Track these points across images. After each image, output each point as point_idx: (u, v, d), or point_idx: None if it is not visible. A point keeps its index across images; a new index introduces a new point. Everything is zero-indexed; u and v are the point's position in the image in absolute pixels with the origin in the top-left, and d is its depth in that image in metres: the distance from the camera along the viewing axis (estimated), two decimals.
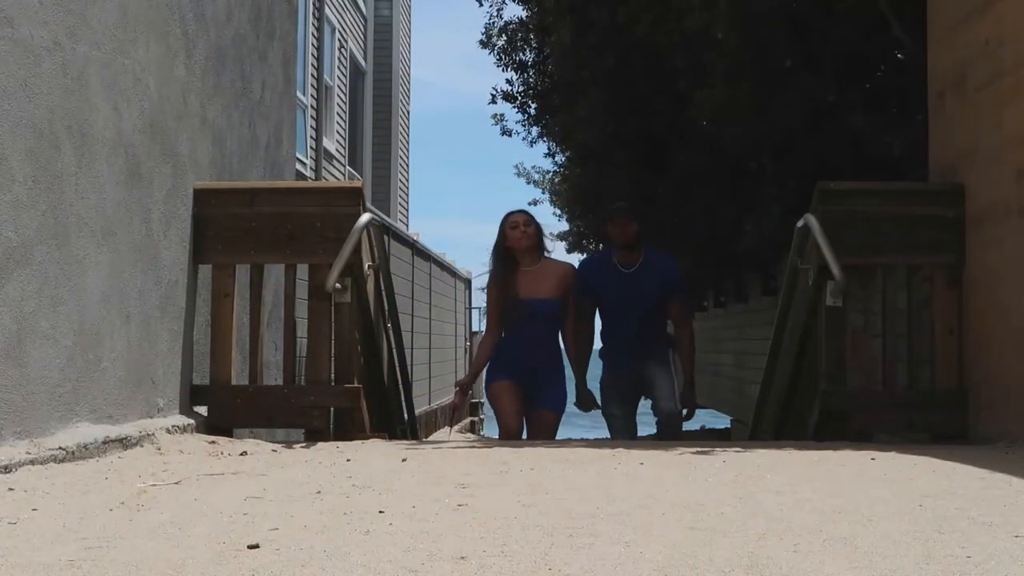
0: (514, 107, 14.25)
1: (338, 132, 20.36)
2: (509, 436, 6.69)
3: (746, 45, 8.62)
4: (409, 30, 27.32)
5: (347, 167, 20.96)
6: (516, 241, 6.85)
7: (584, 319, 7.03)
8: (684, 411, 6.99)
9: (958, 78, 6.07)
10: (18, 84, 4.25)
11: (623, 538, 2.68)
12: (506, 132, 16.01)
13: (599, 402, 7.16)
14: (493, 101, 14.25)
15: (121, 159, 5.06)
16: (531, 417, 6.86)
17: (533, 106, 14.20)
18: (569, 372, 7.04)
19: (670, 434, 6.89)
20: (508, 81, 14.14)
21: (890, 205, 6.06)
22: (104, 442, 4.65)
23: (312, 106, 17.55)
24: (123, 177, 5.08)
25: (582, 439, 7.45)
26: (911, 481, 3.96)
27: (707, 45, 9.29)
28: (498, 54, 13.95)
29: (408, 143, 26.38)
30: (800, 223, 6.24)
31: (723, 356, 16.67)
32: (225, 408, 5.85)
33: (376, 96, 24.11)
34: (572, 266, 7.09)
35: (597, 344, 7.28)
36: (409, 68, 26.91)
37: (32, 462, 4.09)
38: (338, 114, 20.39)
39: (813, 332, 6.37)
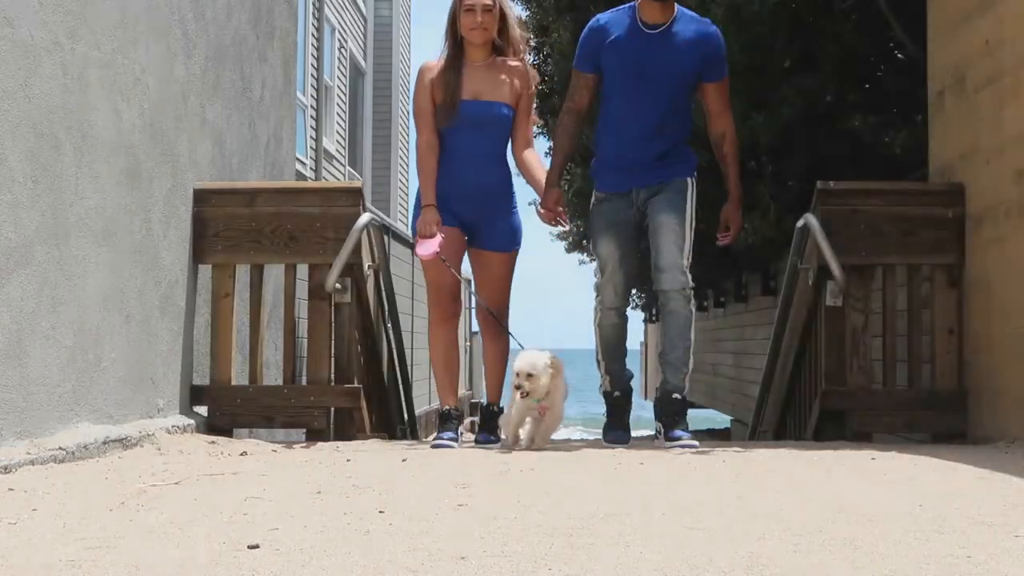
0: None
1: (338, 132, 20.36)
2: (440, 298, 5.54)
3: (745, 44, 8.61)
4: (409, 30, 27.32)
5: (347, 167, 20.96)
6: (468, 31, 5.50)
7: (578, 100, 5.48)
8: (727, 235, 5.50)
9: (958, 78, 6.07)
10: (18, 84, 4.25)
11: (623, 538, 2.68)
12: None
13: (586, 228, 5.69)
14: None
15: (121, 159, 5.06)
16: (476, 261, 5.63)
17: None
18: (525, 198, 6.14)
19: (672, 320, 5.35)
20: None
21: (890, 205, 6.06)
22: (104, 442, 4.65)
23: (312, 106, 17.55)
24: (123, 177, 5.08)
25: (581, 439, 7.44)
26: (911, 481, 3.96)
27: None
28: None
29: (408, 143, 26.38)
30: (800, 223, 6.24)
31: (723, 356, 16.66)
32: (225, 408, 5.85)
33: (376, 96, 24.12)
34: (533, 69, 5.72)
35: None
36: (409, 68, 26.92)
37: (32, 462, 4.09)
38: (338, 114, 20.39)
39: (813, 332, 6.37)
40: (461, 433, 5.54)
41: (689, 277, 5.31)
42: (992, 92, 5.66)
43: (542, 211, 5.53)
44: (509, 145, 5.67)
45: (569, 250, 21.27)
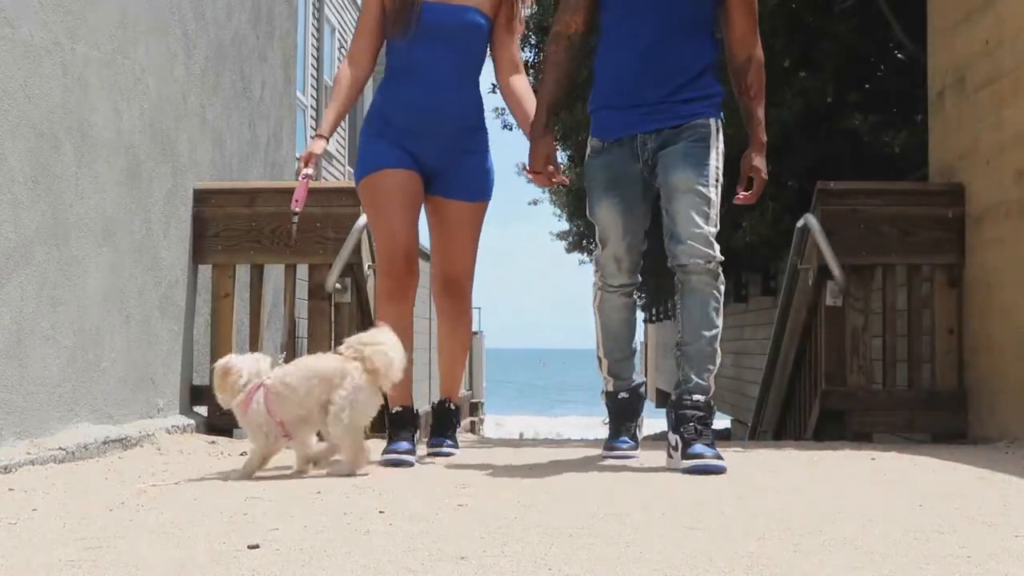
0: None
1: (338, 132, 20.37)
2: (392, 267, 4.39)
3: None
4: None
5: (347, 167, 20.97)
6: None
7: (567, 22, 4.39)
8: (749, 192, 4.31)
9: (958, 78, 6.07)
10: (18, 84, 4.25)
11: (623, 538, 2.68)
12: (507, 127, 16.02)
13: (582, 184, 4.52)
14: (493, 91, 14.24)
15: (121, 159, 5.06)
16: (435, 214, 4.52)
17: None
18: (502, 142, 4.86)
19: (693, 302, 4.22)
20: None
21: (890, 205, 6.06)
22: (104, 442, 4.65)
23: (312, 106, 17.56)
24: (123, 177, 5.08)
25: (581, 439, 7.43)
26: (911, 481, 3.96)
27: None
28: None
29: None
30: (800, 223, 6.24)
31: (723, 356, 16.67)
32: (225, 408, 5.85)
33: None
34: None
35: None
36: None
37: (32, 462, 4.09)
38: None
39: (813, 332, 6.37)
40: (417, 441, 4.56)
41: (716, 249, 4.19)
42: (992, 92, 5.66)
43: (530, 174, 4.43)
44: (483, 68, 4.58)
45: (569, 250, 21.30)
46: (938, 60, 6.38)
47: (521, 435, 16.95)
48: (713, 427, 4.25)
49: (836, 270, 5.87)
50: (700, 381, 4.22)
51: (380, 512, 3.09)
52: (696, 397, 4.19)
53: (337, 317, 6.02)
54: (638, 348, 4.66)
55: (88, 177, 4.75)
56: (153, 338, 5.39)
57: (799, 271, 6.40)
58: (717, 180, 4.24)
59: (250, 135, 6.85)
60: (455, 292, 4.61)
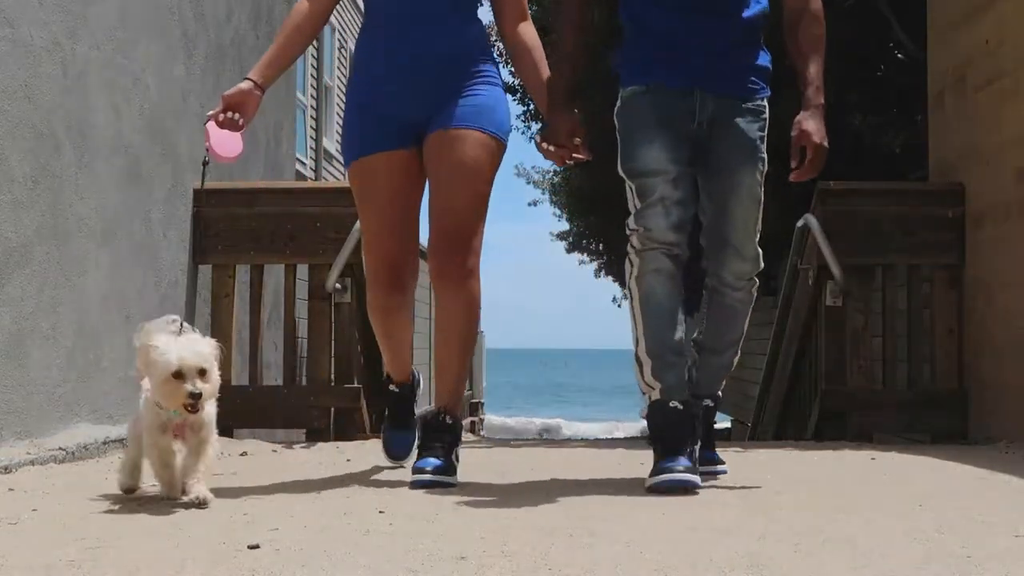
0: (515, 99, 14.23)
1: (338, 132, 20.36)
2: (376, 274, 3.87)
3: None
4: None
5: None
6: None
7: None
8: (803, 169, 3.59)
9: (958, 78, 6.07)
10: (18, 84, 4.25)
11: (623, 538, 2.68)
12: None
13: (622, 149, 3.66)
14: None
15: (121, 159, 5.06)
16: (432, 153, 3.71)
17: (532, 104, 14.21)
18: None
19: (727, 310, 3.81)
20: (512, 73, 14.13)
21: (890, 205, 6.07)
22: (104, 442, 4.65)
23: (312, 106, 17.55)
24: (123, 177, 5.08)
25: (582, 439, 7.43)
26: (911, 481, 3.96)
27: None
28: (498, 54, 13.95)
29: None
30: (800, 223, 6.24)
31: None
32: (225, 408, 5.84)
33: None
34: None
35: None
36: None
37: (32, 462, 4.09)
38: (338, 114, 20.40)
39: (813, 332, 6.37)
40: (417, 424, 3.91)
41: (761, 260, 3.78)
42: (992, 92, 5.66)
43: (546, 147, 3.66)
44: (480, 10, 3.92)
45: (569, 250, 21.29)
46: (938, 60, 6.38)
47: (541, 435, 16.86)
48: (715, 429, 4.18)
49: (836, 270, 5.87)
50: (711, 386, 3.89)
51: (380, 512, 3.09)
52: (706, 402, 3.85)
53: (337, 317, 6.02)
54: (686, 349, 3.74)
55: (88, 177, 4.75)
56: None
57: (799, 271, 6.40)
58: (763, 172, 3.75)
59: (250, 135, 6.84)
60: (452, 252, 3.67)
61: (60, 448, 4.32)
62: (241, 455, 4.90)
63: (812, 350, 6.39)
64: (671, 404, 3.57)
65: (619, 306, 20.56)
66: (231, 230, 5.92)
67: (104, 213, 4.90)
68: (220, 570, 2.34)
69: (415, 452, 3.87)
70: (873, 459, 4.62)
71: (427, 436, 3.78)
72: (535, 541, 2.64)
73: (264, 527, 2.83)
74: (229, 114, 3.63)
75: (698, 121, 3.64)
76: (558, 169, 19.17)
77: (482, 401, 23.77)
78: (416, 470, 3.68)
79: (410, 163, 3.77)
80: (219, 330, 5.92)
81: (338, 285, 5.89)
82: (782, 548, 2.57)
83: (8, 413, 4.19)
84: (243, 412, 5.82)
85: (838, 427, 5.95)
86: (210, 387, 3.23)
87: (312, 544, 2.61)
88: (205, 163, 3.70)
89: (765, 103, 3.74)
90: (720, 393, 3.96)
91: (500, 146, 3.74)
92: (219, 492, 3.52)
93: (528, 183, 24.31)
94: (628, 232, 3.63)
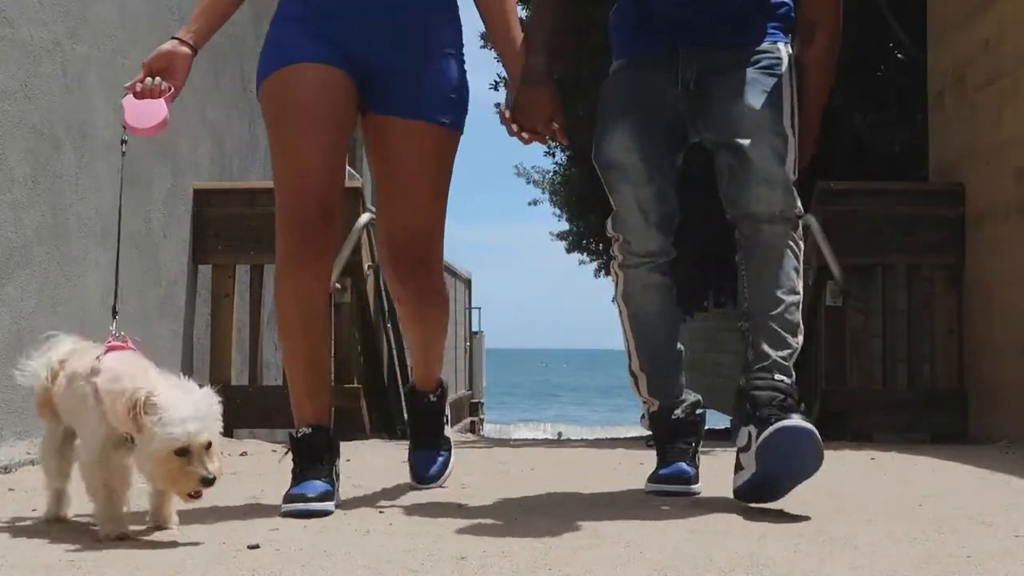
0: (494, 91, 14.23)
1: None
2: (298, 210, 3.16)
3: None
4: None
5: (347, 167, 20.98)
6: None
7: None
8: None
9: (958, 78, 6.07)
10: (18, 84, 4.25)
11: (623, 538, 2.68)
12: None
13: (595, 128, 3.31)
14: (495, 88, 14.22)
15: (120, 159, 5.05)
16: (378, 141, 3.22)
17: None
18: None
19: (765, 257, 3.22)
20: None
21: (890, 205, 6.07)
22: None
23: None
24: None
25: (582, 439, 7.44)
26: (911, 481, 3.96)
27: None
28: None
29: None
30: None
31: (723, 356, 16.68)
32: (225, 408, 5.84)
33: None
34: None
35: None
36: None
37: (32, 462, 4.08)
38: None
39: (813, 332, 6.37)
40: (337, 476, 3.21)
41: (797, 199, 3.25)
42: (992, 92, 5.66)
43: (516, 129, 3.17)
44: None
45: (569, 250, 21.28)
46: (938, 60, 6.38)
47: (560, 435, 16.84)
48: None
49: (836, 270, 5.87)
50: (780, 358, 3.16)
51: (380, 512, 3.09)
52: (778, 377, 3.12)
53: (337, 317, 6.01)
54: (686, 355, 3.49)
55: (88, 177, 4.76)
56: (153, 338, 5.39)
57: None
58: (794, 126, 3.22)
59: (250, 135, 6.85)
60: (411, 264, 3.26)
61: None
62: (241, 455, 4.90)
63: (812, 350, 6.40)
64: (673, 416, 3.46)
65: None
66: (231, 230, 5.92)
67: (104, 213, 4.90)
68: (220, 570, 2.34)
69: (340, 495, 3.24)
70: (873, 459, 4.62)
71: (419, 427, 3.56)
72: (535, 541, 2.64)
73: (264, 527, 2.83)
74: (150, 80, 3.10)
75: (682, 83, 3.22)
76: (558, 169, 19.18)
77: (482, 401, 23.78)
78: (420, 468, 3.53)
79: (345, 85, 3.12)
80: (219, 330, 5.92)
81: (338, 285, 5.89)
82: (782, 548, 2.57)
83: (8, 413, 4.19)
84: (243, 412, 5.82)
85: (838, 427, 5.95)
86: (219, 465, 2.58)
87: (312, 544, 2.60)
88: (123, 141, 3.21)
89: (780, 47, 3.25)
90: (793, 374, 3.17)
91: (458, 137, 3.27)
92: (219, 492, 3.52)
93: (528, 183, 24.35)
94: (608, 235, 3.35)
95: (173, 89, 3.12)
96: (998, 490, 3.71)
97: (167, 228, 5.56)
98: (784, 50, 3.26)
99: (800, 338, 3.23)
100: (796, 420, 2.98)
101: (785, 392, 3.09)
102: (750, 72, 3.19)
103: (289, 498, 3.06)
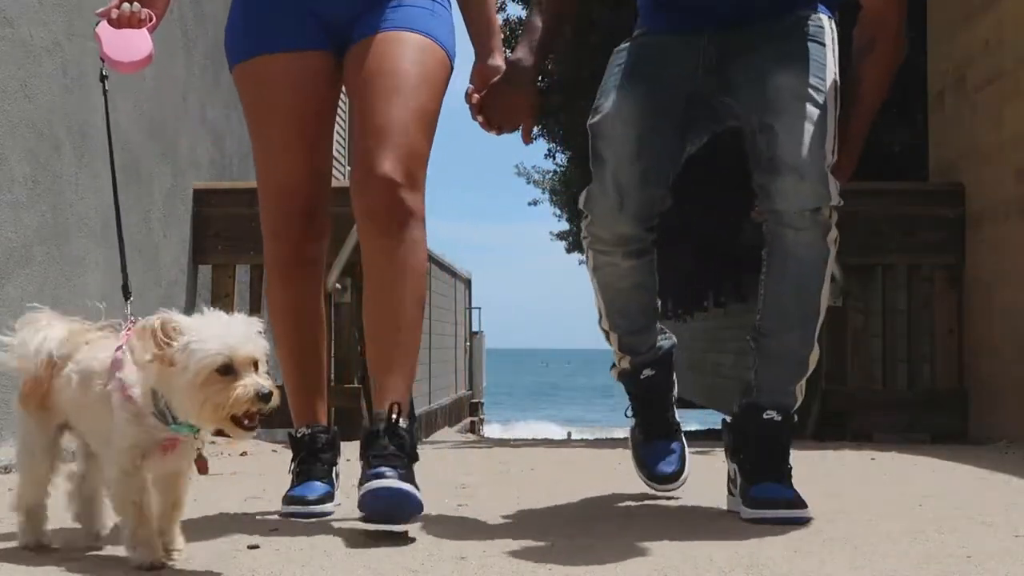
0: None
1: (338, 132, 20.37)
2: (281, 217, 2.97)
3: None
4: None
5: (347, 167, 20.98)
6: None
7: None
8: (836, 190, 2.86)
9: (958, 78, 6.07)
10: (18, 84, 4.25)
11: (624, 538, 2.68)
12: None
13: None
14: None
15: (121, 159, 5.06)
16: (353, 64, 2.89)
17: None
18: None
19: (787, 267, 2.92)
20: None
21: (890, 205, 6.07)
22: None
23: None
24: (123, 177, 5.08)
25: (582, 439, 7.43)
26: (911, 481, 3.96)
27: None
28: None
29: None
30: None
31: (723, 356, 16.67)
32: None
33: None
34: None
35: None
36: None
37: None
38: (338, 113, 20.39)
39: None
40: (337, 476, 3.12)
41: (835, 189, 2.88)
42: (992, 92, 5.66)
43: (477, 108, 2.98)
44: None
45: (569, 250, 21.28)
46: (938, 60, 6.38)
47: (569, 435, 16.81)
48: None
49: (836, 270, 5.87)
50: (779, 392, 2.98)
51: None
52: (770, 415, 2.95)
53: (337, 317, 6.01)
54: (658, 308, 3.18)
55: (88, 177, 4.76)
56: None
57: None
58: (836, 96, 2.90)
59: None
60: (386, 182, 2.76)
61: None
62: (241, 455, 4.90)
63: None
64: (643, 375, 3.17)
65: None
66: (231, 230, 5.92)
67: (104, 213, 4.90)
68: (220, 570, 2.34)
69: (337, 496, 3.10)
70: (873, 459, 4.62)
71: (370, 449, 2.75)
72: (535, 541, 2.64)
73: (264, 527, 2.83)
74: (128, 6, 2.75)
75: (702, 62, 2.93)
76: (559, 169, 19.19)
77: (482, 401, 23.78)
78: (370, 476, 2.66)
79: (325, 67, 2.94)
80: None
81: (338, 285, 5.89)
82: (782, 548, 2.57)
83: (8, 413, 4.19)
84: None
85: (838, 427, 5.95)
86: (273, 383, 2.25)
87: (312, 544, 2.61)
88: (103, 78, 2.79)
89: (822, 18, 2.99)
90: (798, 399, 3.02)
91: (446, 60, 2.92)
92: (219, 492, 3.52)
93: (528, 183, 24.36)
94: (581, 206, 3.03)
95: (154, 18, 2.81)
96: (998, 490, 3.71)
97: (167, 228, 5.56)
98: (828, 23, 3.00)
99: (813, 360, 3.01)
100: (781, 501, 2.86)
101: (777, 434, 2.98)
102: (786, 41, 2.90)
103: (289, 500, 3.04)
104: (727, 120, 3.05)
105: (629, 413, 3.28)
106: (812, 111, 2.82)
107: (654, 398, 3.22)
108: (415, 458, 2.77)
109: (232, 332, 2.19)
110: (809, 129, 2.81)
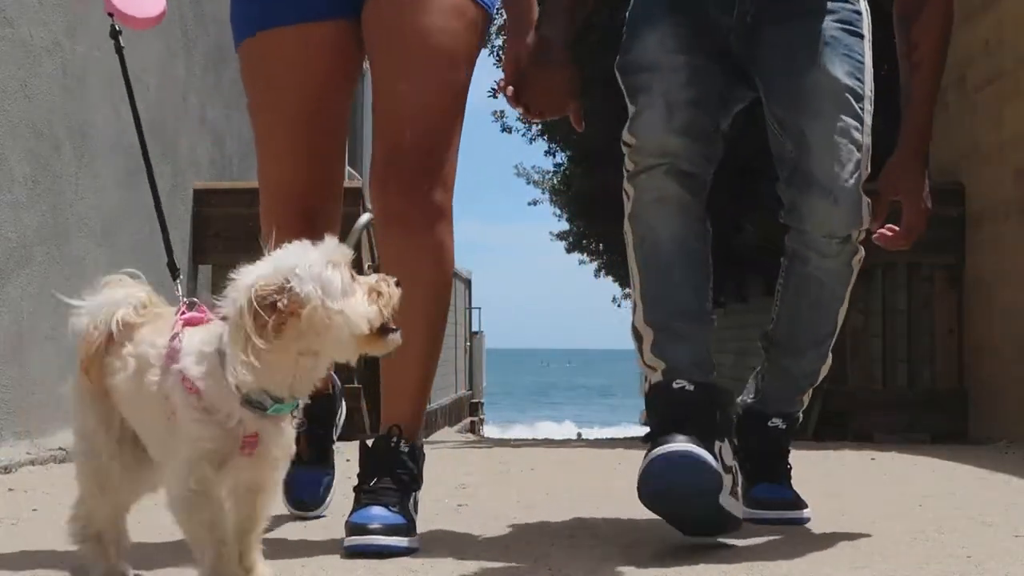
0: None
1: None
2: (275, 214, 2.68)
3: None
4: None
5: (347, 167, 20.97)
6: None
7: None
8: (897, 231, 2.69)
9: (958, 78, 6.07)
10: (18, 84, 4.25)
11: (624, 539, 2.68)
12: (506, 129, 15.90)
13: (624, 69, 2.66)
14: (494, 96, 14.22)
15: (121, 159, 5.06)
16: (375, 32, 2.54)
17: None
18: None
19: (811, 288, 2.72)
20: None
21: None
22: None
23: None
24: (122, 177, 5.08)
25: (582, 438, 7.43)
26: (911, 481, 3.96)
27: None
28: (497, 53, 13.94)
29: None
30: None
31: (723, 356, 16.65)
32: None
33: None
34: None
35: None
36: None
37: (32, 462, 4.08)
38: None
39: None
40: (333, 472, 3.05)
41: (866, 210, 2.66)
42: (992, 92, 5.66)
43: (513, 98, 2.65)
44: None
45: (569, 250, 21.28)
46: None
47: (579, 435, 16.79)
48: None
49: None
50: (786, 403, 2.95)
51: None
52: (773, 422, 2.92)
53: None
54: (712, 313, 2.71)
55: (88, 177, 4.75)
56: None
57: None
58: (872, 92, 2.72)
59: (250, 135, 6.85)
60: (412, 180, 2.48)
61: (60, 448, 4.31)
62: None
63: None
64: (675, 384, 2.51)
65: (619, 306, 20.56)
66: (231, 230, 5.92)
67: (104, 213, 4.90)
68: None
69: (334, 496, 2.96)
70: (873, 459, 4.62)
71: (372, 472, 2.50)
72: (535, 541, 2.64)
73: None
74: None
75: (737, 14, 2.62)
76: (558, 169, 19.18)
77: (482, 401, 23.77)
78: (354, 527, 2.43)
79: (340, 40, 2.58)
80: None
81: None
82: (782, 548, 2.57)
83: (8, 413, 4.19)
84: None
85: (838, 427, 5.95)
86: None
87: (312, 544, 2.60)
88: (117, 33, 2.59)
89: (856, 2, 2.71)
90: (801, 406, 2.97)
91: (481, 13, 2.54)
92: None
93: (528, 183, 24.36)
94: (623, 144, 2.62)
95: None
96: (998, 490, 3.71)
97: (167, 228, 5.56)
98: (863, 4, 2.74)
99: (824, 371, 2.91)
100: (784, 503, 2.86)
101: (778, 439, 2.96)
102: (823, 24, 2.61)
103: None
104: (745, 101, 2.78)
105: (646, 439, 2.59)
106: (849, 122, 2.61)
107: (688, 422, 2.46)
108: (417, 484, 2.53)
109: (319, 250, 1.89)
110: (845, 144, 2.60)
